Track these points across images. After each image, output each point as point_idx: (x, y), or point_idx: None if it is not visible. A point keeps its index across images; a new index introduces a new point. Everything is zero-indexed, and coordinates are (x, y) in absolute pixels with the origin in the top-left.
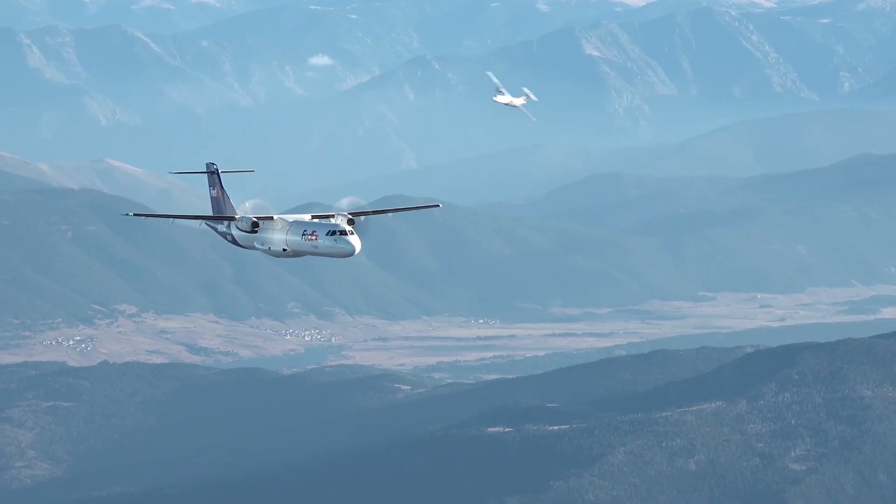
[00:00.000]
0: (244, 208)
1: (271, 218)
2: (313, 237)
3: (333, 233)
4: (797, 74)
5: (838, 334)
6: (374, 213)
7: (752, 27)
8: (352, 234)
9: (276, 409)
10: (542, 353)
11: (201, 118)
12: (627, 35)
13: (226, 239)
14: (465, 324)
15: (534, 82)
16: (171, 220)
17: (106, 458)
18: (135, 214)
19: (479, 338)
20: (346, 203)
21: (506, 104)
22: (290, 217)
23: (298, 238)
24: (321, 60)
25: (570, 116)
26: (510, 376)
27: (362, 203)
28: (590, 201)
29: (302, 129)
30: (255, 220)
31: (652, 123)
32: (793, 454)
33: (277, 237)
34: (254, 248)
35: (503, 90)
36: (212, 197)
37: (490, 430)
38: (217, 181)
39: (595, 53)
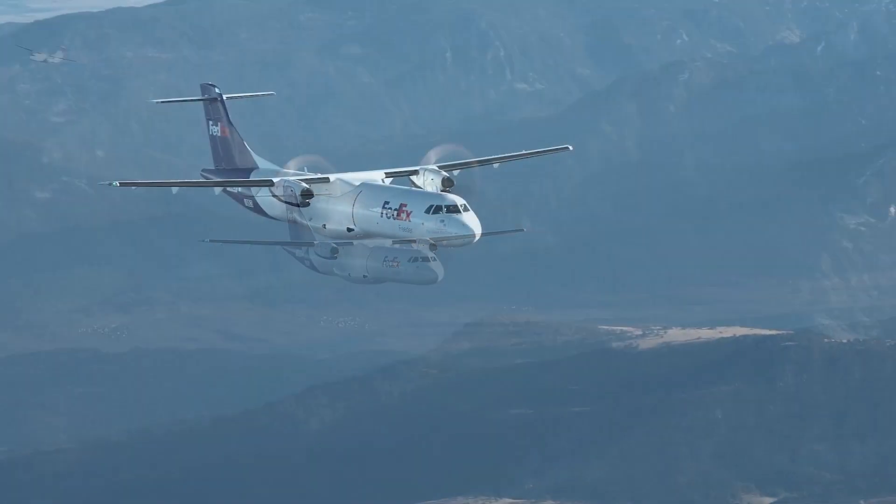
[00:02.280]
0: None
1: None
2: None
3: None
4: None
5: None
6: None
7: None
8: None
9: (307, 394)
10: (574, 338)
11: None
12: None
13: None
14: (499, 310)
15: None
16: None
17: (134, 443)
18: (211, 241)
19: (513, 323)
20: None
21: (42, 60)
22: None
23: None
24: None
25: None
26: (539, 360)
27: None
28: (625, 187)
29: None
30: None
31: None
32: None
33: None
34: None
35: (36, 52)
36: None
37: (513, 411)
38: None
39: None
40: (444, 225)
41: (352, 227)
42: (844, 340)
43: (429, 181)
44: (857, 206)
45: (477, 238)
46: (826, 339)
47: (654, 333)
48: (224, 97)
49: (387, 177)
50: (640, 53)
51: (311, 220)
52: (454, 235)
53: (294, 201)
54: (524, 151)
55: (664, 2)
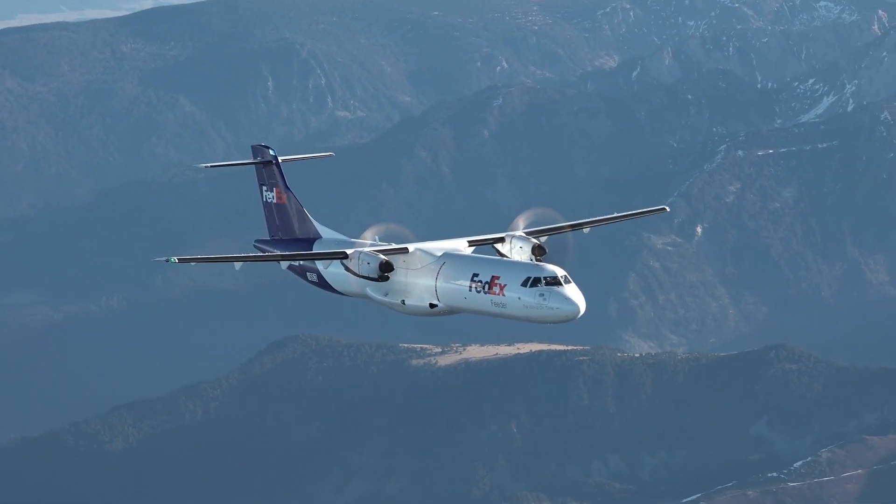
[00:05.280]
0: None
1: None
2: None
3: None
4: None
5: None
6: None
7: None
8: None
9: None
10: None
11: None
12: None
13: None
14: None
15: None
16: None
17: None
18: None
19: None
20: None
21: None
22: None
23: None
24: None
25: None
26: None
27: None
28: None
29: None
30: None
31: None
32: None
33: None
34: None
35: None
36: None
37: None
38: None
39: None
40: (545, 300)
41: (435, 302)
42: (637, 355)
43: (517, 249)
44: (665, 227)
45: (581, 314)
46: (619, 354)
47: (453, 350)
48: (280, 159)
49: (469, 245)
50: (460, 80)
51: (386, 295)
52: (557, 310)
53: (372, 275)
54: (618, 214)
55: (484, 30)
